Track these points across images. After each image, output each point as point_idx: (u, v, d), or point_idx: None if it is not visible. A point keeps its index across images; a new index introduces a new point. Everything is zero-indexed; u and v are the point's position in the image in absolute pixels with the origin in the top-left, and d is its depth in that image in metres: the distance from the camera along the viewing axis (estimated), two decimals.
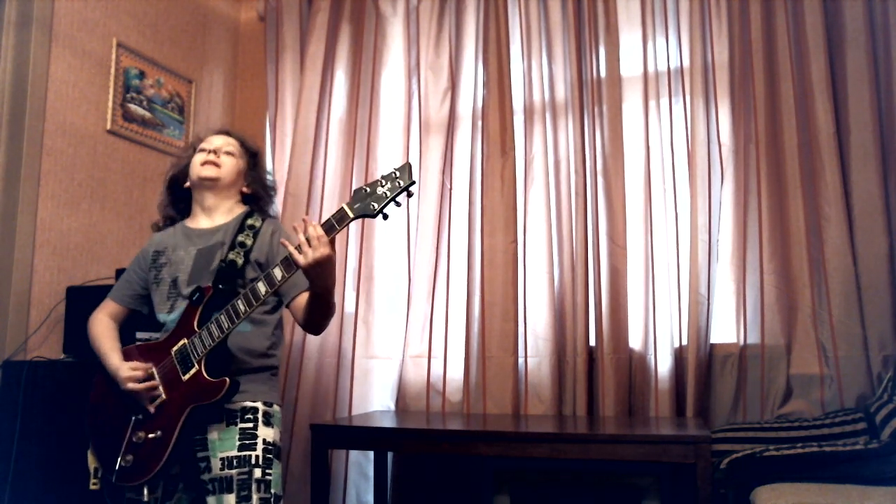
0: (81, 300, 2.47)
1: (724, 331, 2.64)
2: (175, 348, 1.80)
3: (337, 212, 1.68)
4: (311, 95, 3.14)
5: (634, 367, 2.66)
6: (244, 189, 2.06)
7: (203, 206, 2.01)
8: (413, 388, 2.91)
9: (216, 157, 1.98)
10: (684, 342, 2.61)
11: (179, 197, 2.08)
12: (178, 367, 1.79)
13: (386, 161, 3.08)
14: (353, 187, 3.01)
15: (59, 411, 2.22)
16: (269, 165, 2.93)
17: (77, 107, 2.69)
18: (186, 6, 3.26)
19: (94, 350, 1.95)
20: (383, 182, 1.67)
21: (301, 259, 1.65)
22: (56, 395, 2.24)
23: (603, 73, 2.82)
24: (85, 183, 2.71)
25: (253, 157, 2.10)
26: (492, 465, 2.55)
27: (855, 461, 2.01)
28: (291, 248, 1.67)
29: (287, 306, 1.95)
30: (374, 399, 3.00)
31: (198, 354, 1.76)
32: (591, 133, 2.80)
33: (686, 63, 2.75)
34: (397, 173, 1.67)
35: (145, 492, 1.76)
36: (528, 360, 2.76)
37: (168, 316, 1.90)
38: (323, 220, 1.70)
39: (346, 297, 2.98)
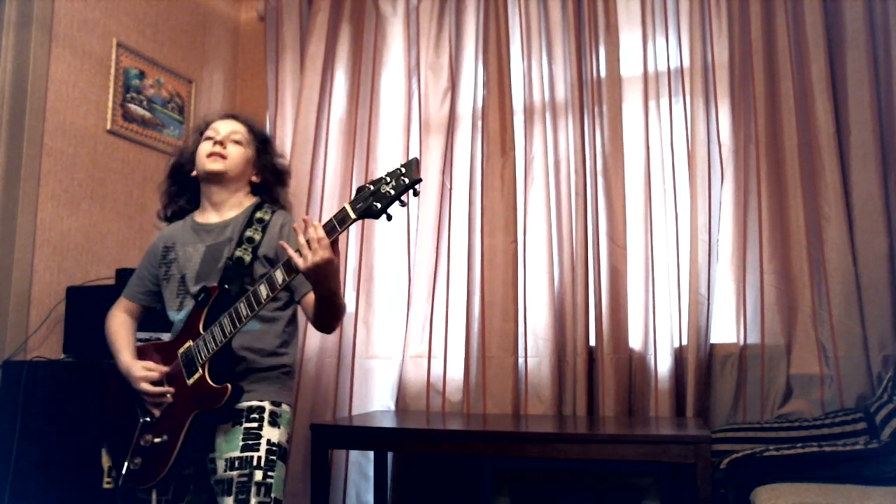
0: (81, 300, 2.48)
1: (724, 331, 2.63)
2: (181, 350, 1.76)
3: (339, 212, 1.59)
4: (311, 95, 3.14)
5: (634, 367, 2.66)
6: (253, 178, 1.97)
7: (211, 201, 1.93)
8: (413, 388, 2.91)
9: (222, 149, 1.89)
10: (684, 342, 2.60)
11: (185, 187, 1.99)
12: (183, 370, 1.75)
13: (386, 161, 3.08)
14: (354, 187, 3.01)
15: (59, 411, 2.22)
16: None
17: (77, 107, 2.69)
18: (186, 6, 3.26)
19: (109, 347, 1.90)
20: (387, 180, 1.56)
21: (301, 263, 1.58)
22: (56, 395, 2.24)
23: (603, 73, 2.82)
24: (85, 183, 2.71)
25: (262, 143, 2.00)
26: (492, 465, 2.55)
27: (855, 461, 2.01)
28: (291, 252, 1.60)
29: (298, 302, 1.89)
30: (375, 399, 2.99)
31: (202, 358, 1.71)
32: (591, 133, 2.80)
33: (686, 63, 2.75)
34: (402, 170, 1.56)
35: (153, 496, 1.74)
36: (528, 360, 2.76)
37: (178, 315, 1.86)
38: (324, 220, 1.61)
39: (346, 297, 2.97)
